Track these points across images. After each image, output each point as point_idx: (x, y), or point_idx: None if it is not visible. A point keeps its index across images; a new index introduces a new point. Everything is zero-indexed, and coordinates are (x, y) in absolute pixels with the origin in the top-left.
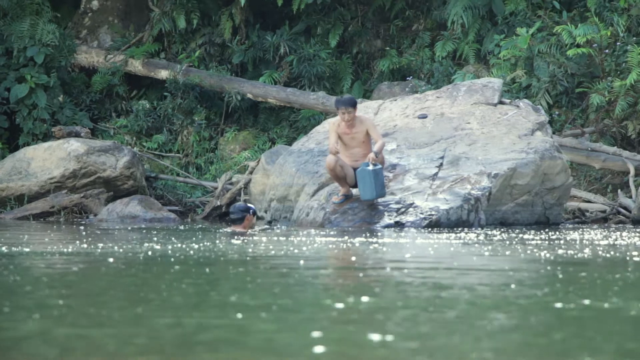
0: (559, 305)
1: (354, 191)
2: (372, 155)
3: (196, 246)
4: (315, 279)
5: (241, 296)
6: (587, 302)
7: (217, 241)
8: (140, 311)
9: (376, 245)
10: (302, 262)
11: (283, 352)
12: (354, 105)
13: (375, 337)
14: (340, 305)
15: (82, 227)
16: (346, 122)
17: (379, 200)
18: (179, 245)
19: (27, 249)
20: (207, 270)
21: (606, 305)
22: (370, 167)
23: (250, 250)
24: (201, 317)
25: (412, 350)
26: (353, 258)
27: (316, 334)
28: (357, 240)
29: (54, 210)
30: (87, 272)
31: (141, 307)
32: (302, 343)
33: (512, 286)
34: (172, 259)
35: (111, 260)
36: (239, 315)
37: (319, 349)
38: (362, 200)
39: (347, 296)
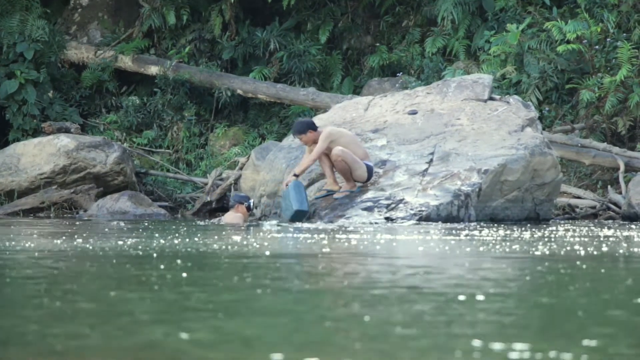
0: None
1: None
2: (284, 182)
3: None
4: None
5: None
6: (564, 296)
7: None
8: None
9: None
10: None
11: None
12: (298, 132)
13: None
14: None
15: (105, 226)
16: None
17: (369, 195)
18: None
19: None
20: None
21: (587, 301)
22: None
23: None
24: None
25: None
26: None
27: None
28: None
29: (44, 206)
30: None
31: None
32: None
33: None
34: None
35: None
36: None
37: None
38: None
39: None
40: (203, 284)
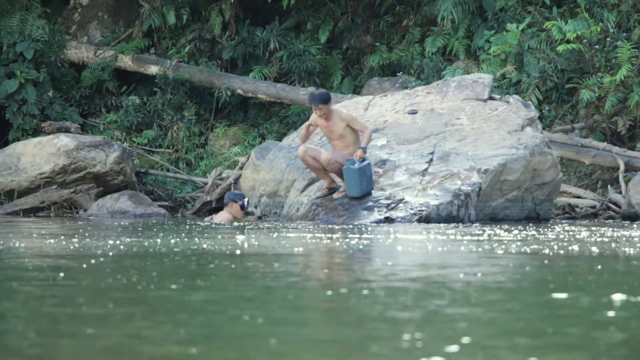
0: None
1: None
2: (359, 152)
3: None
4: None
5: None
6: (560, 296)
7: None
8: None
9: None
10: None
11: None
12: (324, 101)
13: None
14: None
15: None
16: (320, 117)
17: (369, 196)
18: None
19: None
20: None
21: (584, 299)
22: (356, 165)
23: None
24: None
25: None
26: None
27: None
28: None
29: (44, 206)
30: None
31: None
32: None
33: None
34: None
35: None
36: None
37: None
38: (349, 196)
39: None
40: (194, 282)
